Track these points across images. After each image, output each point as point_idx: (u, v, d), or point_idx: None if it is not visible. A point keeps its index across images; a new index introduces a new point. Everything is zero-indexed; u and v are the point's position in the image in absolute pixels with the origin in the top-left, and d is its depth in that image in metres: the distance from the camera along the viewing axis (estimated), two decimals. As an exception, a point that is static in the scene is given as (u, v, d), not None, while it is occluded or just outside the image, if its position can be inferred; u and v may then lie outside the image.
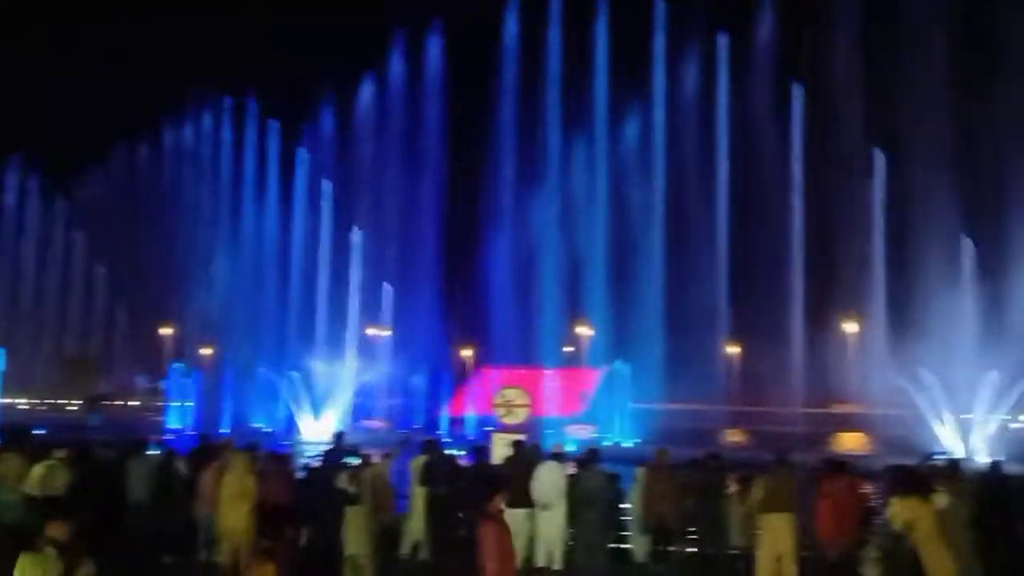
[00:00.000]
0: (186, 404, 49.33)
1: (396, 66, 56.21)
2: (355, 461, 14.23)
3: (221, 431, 36.10)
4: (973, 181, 41.16)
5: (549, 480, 13.59)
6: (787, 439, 35.45)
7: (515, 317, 51.22)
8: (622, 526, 14.86)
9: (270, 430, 46.86)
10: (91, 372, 50.01)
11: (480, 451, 14.95)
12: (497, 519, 8.47)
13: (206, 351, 56.11)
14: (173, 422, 48.52)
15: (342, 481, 13.18)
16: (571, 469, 14.28)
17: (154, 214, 60.81)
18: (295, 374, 46.92)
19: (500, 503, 8.57)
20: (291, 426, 47.20)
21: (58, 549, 6.10)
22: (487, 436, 21.47)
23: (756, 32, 50.20)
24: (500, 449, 17.20)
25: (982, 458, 30.10)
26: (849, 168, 45.56)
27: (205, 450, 15.75)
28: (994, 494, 13.36)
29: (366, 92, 57.29)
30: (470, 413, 47.60)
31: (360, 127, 57.55)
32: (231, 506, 12.85)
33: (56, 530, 6.18)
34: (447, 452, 16.57)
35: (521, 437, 16.57)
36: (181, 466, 14.61)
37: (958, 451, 33.45)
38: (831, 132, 45.45)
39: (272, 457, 14.48)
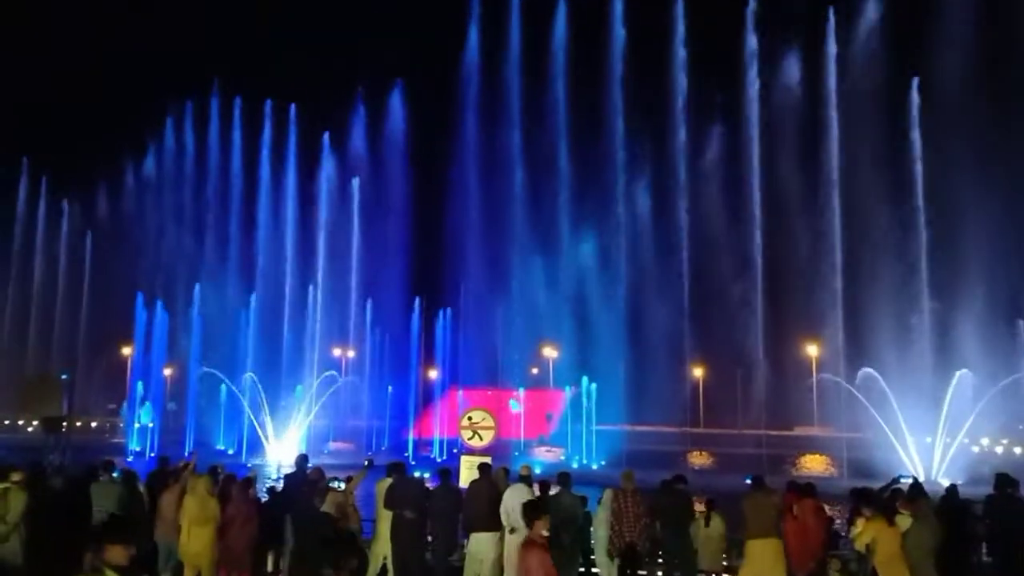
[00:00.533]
0: (148, 425, 48.66)
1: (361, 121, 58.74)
2: (340, 485, 14.17)
3: (184, 453, 35.59)
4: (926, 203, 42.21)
5: (517, 503, 13.47)
6: (751, 461, 35.74)
7: (482, 338, 51.20)
8: (591, 550, 14.79)
9: (232, 451, 46.37)
10: (52, 392, 49.07)
11: (446, 473, 14.77)
12: (542, 544, 8.22)
13: (168, 371, 55.39)
14: (134, 444, 47.81)
15: (319, 504, 13.07)
16: (536, 491, 14.18)
17: (116, 234, 60.19)
18: (253, 376, 46.55)
19: (543, 528, 8.35)
20: (255, 448, 46.70)
21: (118, 573, 6.00)
22: (455, 458, 21.35)
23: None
24: (467, 472, 17.04)
25: (943, 481, 30.45)
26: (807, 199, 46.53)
27: (165, 473, 15.48)
28: (952, 518, 13.47)
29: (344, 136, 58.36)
30: (436, 435, 47.43)
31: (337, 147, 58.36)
32: (193, 530, 12.70)
33: (116, 554, 6.05)
34: (413, 475, 16.43)
35: (487, 460, 16.43)
36: (142, 489, 14.35)
37: (920, 474, 33.85)
38: (788, 169, 46.48)
39: (234, 480, 14.24)
